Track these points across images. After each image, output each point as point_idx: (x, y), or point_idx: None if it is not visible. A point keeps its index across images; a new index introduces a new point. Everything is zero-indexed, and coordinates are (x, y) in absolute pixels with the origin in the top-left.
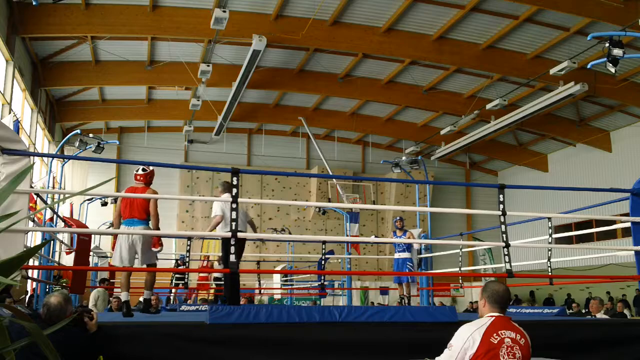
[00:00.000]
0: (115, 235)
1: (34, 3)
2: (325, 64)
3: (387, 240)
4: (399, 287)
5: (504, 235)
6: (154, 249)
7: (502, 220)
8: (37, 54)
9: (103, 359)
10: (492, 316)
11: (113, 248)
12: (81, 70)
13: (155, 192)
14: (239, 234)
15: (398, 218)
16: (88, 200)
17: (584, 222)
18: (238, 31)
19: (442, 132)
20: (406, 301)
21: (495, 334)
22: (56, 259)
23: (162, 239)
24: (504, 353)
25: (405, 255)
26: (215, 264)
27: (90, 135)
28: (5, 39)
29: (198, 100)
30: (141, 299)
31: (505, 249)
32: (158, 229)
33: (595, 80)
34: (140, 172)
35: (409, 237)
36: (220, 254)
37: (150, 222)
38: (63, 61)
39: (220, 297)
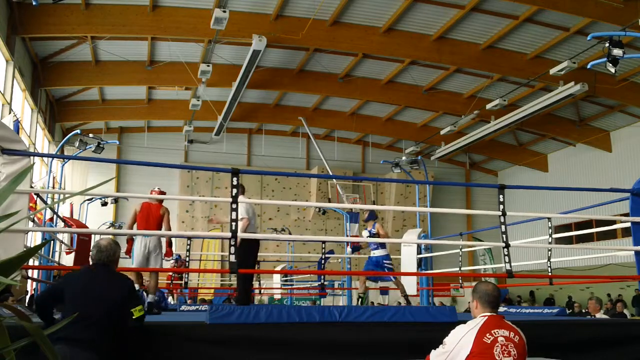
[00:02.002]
0: (129, 242)
1: (34, 3)
2: (325, 64)
3: (387, 240)
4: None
5: (504, 236)
6: (166, 258)
7: (502, 220)
8: (37, 54)
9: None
10: (484, 316)
11: (127, 253)
12: (81, 70)
13: (167, 210)
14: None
15: (363, 211)
16: (88, 200)
17: (583, 222)
18: (238, 31)
19: (442, 132)
20: (403, 301)
21: (488, 334)
22: (56, 259)
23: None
24: (499, 352)
25: (381, 252)
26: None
27: (90, 135)
28: (5, 39)
29: (198, 100)
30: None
31: (505, 249)
32: (171, 242)
33: (595, 80)
34: (156, 189)
35: (378, 231)
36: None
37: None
38: (63, 61)
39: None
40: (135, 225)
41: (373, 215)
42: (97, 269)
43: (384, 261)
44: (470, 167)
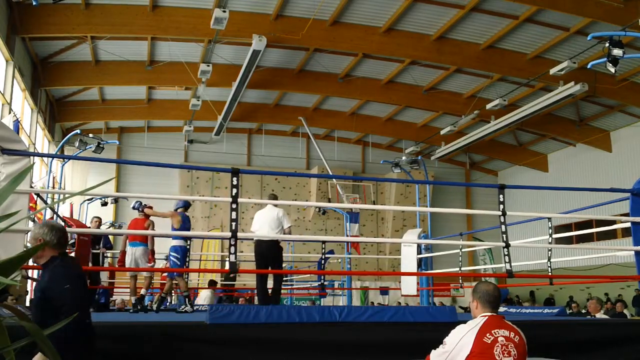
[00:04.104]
0: (122, 254)
1: (34, 3)
2: (325, 64)
3: (386, 240)
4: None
5: (504, 235)
6: (148, 264)
7: (502, 220)
8: (37, 54)
9: None
10: (485, 316)
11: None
12: (81, 70)
13: (152, 222)
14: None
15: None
16: (88, 200)
17: (584, 222)
18: (238, 31)
19: (442, 132)
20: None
21: (488, 334)
22: None
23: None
24: (499, 352)
25: (174, 242)
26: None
27: (90, 135)
28: (5, 39)
29: (198, 100)
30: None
31: (505, 249)
32: (153, 249)
33: (595, 80)
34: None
35: (172, 216)
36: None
37: (148, 244)
38: (63, 61)
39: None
40: (127, 238)
41: (181, 204)
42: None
43: (171, 252)
44: (470, 167)
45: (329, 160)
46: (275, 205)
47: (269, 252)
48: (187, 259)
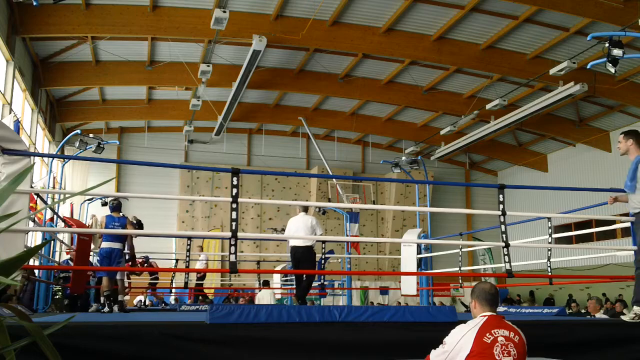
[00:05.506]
0: None
1: (34, 3)
2: (325, 64)
3: (386, 240)
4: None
5: (504, 235)
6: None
7: (502, 220)
8: (37, 54)
9: None
10: (484, 316)
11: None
12: (81, 70)
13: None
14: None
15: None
16: (88, 200)
17: (583, 222)
18: (238, 31)
19: (442, 132)
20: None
21: (488, 334)
22: (56, 258)
23: None
24: (499, 352)
25: (118, 245)
26: (198, 264)
27: (91, 135)
28: (5, 39)
29: (198, 100)
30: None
31: (505, 249)
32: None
33: (595, 80)
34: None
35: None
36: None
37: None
38: (63, 61)
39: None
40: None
41: (111, 206)
42: None
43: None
44: (470, 167)
45: (329, 160)
46: (306, 213)
47: (301, 256)
48: (123, 259)
